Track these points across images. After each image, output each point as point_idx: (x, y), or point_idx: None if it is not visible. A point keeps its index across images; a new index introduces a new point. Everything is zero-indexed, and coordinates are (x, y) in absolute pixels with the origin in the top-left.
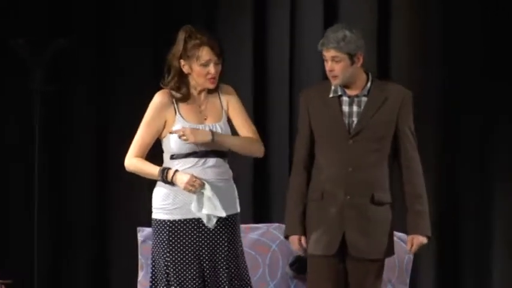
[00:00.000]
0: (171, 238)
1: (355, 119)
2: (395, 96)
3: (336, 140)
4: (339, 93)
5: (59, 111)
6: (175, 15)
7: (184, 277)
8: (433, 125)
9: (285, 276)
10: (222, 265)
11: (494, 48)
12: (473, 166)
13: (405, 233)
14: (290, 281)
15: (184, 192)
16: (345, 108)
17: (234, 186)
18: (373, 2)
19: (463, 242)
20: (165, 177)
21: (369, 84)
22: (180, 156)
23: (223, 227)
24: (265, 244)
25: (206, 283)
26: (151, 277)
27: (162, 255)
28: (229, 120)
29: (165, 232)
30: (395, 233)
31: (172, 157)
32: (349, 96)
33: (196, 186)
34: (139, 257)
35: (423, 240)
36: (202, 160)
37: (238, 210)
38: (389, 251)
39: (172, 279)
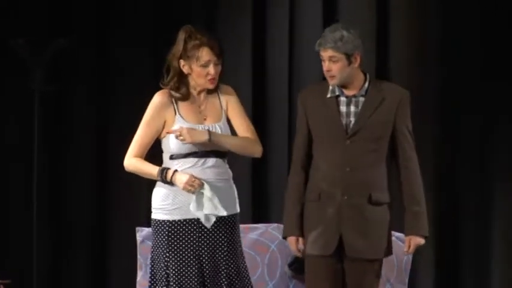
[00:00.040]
0: (170, 238)
1: (352, 119)
2: (393, 96)
3: (334, 140)
4: (337, 93)
5: (58, 111)
6: (175, 15)
7: (184, 277)
8: (432, 125)
9: (284, 276)
10: (222, 265)
11: (493, 48)
12: (473, 166)
13: (404, 233)
14: (289, 281)
15: (183, 193)
16: (343, 108)
17: (234, 186)
18: (372, 2)
19: (463, 242)
20: (164, 177)
21: (366, 84)
22: (180, 156)
23: (223, 227)
24: (264, 244)
25: (206, 283)
26: (150, 277)
27: (162, 255)
28: (228, 121)
29: (164, 232)
30: (394, 233)
31: (171, 157)
32: (346, 97)
33: (195, 186)
34: (138, 257)
35: (420, 241)
36: (202, 160)
37: (238, 210)
38: (387, 251)
39: (172, 279)
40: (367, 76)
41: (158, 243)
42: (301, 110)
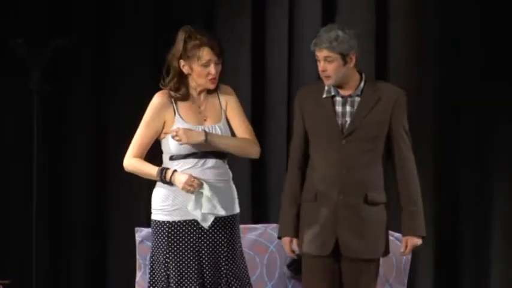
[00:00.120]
0: (170, 239)
1: (348, 119)
2: (389, 96)
3: (329, 140)
4: (332, 93)
5: (58, 111)
6: (175, 15)
7: (184, 278)
8: (432, 125)
9: (283, 277)
10: (222, 266)
11: (492, 48)
12: (473, 166)
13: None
14: (288, 281)
15: (183, 193)
16: (338, 108)
17: (234, 187)
18: (372, 2)
19: (462, 242)
20: (164, 178)
21: (362, 84)
22: (180, 157)
23: (223, 228)
24: (263, 245)
25: (206, 284)
26: (149, 278)
27: (162, 256)
28: (227, 121)
29: (164, 233)
30: (393, 233)
31: (171, 158)
32: (342, 97)
33: (194, 186)
34: (137, 257)
35: (418, 241)
36: (202, 161)
37: (238, 210)
38: (384, 251)
39: (172, 280)
40: (363, 76)
41: (158, 244)
42: (298, 111)
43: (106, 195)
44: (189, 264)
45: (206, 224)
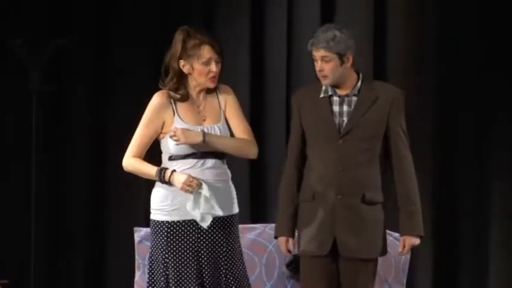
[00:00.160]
0: (169, 239)
1: (345, 119)
2: (386, 95)
3: (327, 140)
4: (329, 93)
5: (57, 112)
6: (174, 15)
7: (184, 278)
8: (430, 124)
9: (282, 276)
10: (221, 266)
11: (491, 45)
12: (472, 165)
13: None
14: (287, 281)
15: (182, 193)
16: (335, 108)
17: (233, 186)
18: (370, 2)
19: (461, 241)
20: (163, 178)
21: (359, 84)
22: (179, 157)
23: (222, 228)
24: (261, 244)
25: (205, 284)
26: (148, 278)
27: (161, 256)
28: (226, 120)
29: (163, 233)
30: (392, 233)
31: (170, 158)
32: (339, 96)
33: (193, 186)
34: (136, 257)
35: (415, 241)
36: (201, 161)
37: (237, 210)
38: (381, 250)
39: (171, 280)
40: (360, 76)
41: (157, 244)
42: (295, 110)
43: (105, 195)
44: (188, 264)
45: (205, 224)
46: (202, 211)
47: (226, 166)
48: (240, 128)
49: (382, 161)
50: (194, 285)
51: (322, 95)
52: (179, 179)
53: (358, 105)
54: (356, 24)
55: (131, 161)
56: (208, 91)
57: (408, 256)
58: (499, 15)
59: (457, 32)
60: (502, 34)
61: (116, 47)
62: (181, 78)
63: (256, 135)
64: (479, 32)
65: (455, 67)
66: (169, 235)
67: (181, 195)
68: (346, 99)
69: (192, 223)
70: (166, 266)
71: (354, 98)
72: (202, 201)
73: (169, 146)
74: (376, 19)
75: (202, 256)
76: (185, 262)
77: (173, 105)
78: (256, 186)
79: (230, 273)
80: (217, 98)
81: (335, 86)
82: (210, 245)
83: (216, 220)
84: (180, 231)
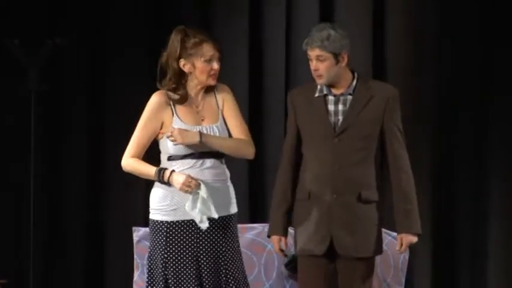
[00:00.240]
0: (168, 239)
1: (340, 118)
2: (381, 94)
3: (322, 139)
4: (325, 92)
5: (55, 111)
6: (173, 15)
7: (183, 278)
8: (430, 124)
9: (281, 276)
10: (221, 266)
11: (491, 45)
12: (471, 164)
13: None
14: (285, 280)
15: (181, 194)
16: (331, 107)
17: (232, 186)
18: (369, 1)
19: (460, 240)
20: (162, 178)
21: (354, 83)
22: (178, 157)
23: (221, 228)
24: (260, 244)
25: (204, 284)
26: (147, 277)
27: (160, 256)
28: (224, 120)
29: (162, 233)
30: (390, 232)
31: (169, 158)
32: (334, 95)
33: (192, 187)
34: (135, 256)
35: (413, 239)
36: (200, 161)
37: (236, 210)
38: (378, 249)
39: (171, 280)
40: (355, 74)
41: (156, 244)
42: (291, 110)
43: (104, 195)
44: (187, 264)
45: (203, 226)
46: (198, 212)
47: (225, 166)
48: (238, 128)
49: (378, 160)
50: (193, 285)
51: (317, 94)
52: (178, 179)
53: (353, 104)
54: (355, 24)
55: (130, 161)
56: (206, 91)
57: (407, 256)
58: (499, 14)
59: (457, 32)
60: (502, 33)
61: (113, 46)
62: (180, 78)
63: (255, 135)
64: (479, 31)
65: (455, 67)
66: (168, 235)
67: (180, 196)
68: (341, 98)
69: (191, 223)
70: (166, 265)
71: (349, 97)
72: (199, 202)
73: (168, 146)
74: (375, 18)
75: (202, 256)
76: (184, 262)
77: (172, 105)
78: (255, 186)
79: (230, 273)
80: (215, 97)
81: (330, 85)
82: (209, 244)
83: (215, 220)
84: (180, 231)
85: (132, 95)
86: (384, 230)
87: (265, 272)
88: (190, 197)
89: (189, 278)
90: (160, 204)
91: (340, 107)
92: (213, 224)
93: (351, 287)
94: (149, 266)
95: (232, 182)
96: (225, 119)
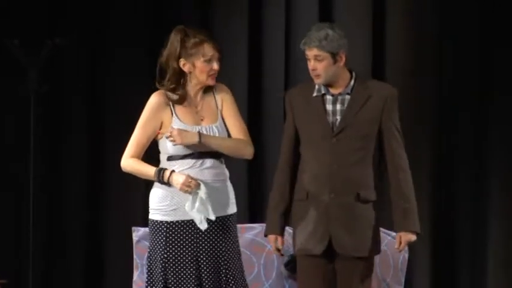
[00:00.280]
0: (168, 239)
1: (338, 117)
2: (379, 93)
3: (320, 139)
4: (323, 92)
5: (55, 112)
6: (172, 15)
7: (183, 279)
8: (430, 124)
9: (280, 276)
10: (221, 266)
11: (491, 44)
12: (471, 164)
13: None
14: (285, 280)
15: (181, 194)
16: (329, 106)
17: (231, 186)
18: (369, 1)
19: (460, 241)
20: (161, 178)
21: (352, 82)
22: (177, 157)
23: (220, 228)
24: (260, 244)
25: (204, 284)
26: (146, 277)
27: (160, 256)
28: (223, 120)
29: (162, 233)
30: (390, 232)
31: (169, 158)
32: (332, 95)
33: (192, 187)
34: (135, 256)
35: (411, 237)
36: (200, 161)
37: (235, 210)
38: (376, 248)
39: (170, 280)
40: (353, 74)
41: (156, 244)
42: (288, 110)
43: (103, 195)
44: (187, 264)
45: (203, 226)
46: (196, 212)
47: (224, 166)
48: (237, 128)
49: (377, 159)
50: (193, 285)
51: (315, 94)
52: (178, 179)
53: (351, 104)
54: (355, 24)
55: (129, 162)
56: (205, 91)
57: (406, 255)
58: (499, 15)
59: (457, 32)
60: (502, 34)
61: (113, 47)
62: (180, 78)
63: (254, 135)
64: (479, 32)
65: (455, 67)
66: (168, 235)
67: (179, 196)
68: (339, 97)
69: (191, 223)
70: (165, 266)
71: (347, 97)
72: (198, 202)
73: (167, 147)
74: (375, 19)
75: (201, 256)
76: (184, 262)
77: (171, 105)
78: (255, 186)
79: (230, 273)
80: (214, 97)
81: (328, 84)
82: (208, 244)
83: (215, 220)
84: (179, 231)
85: (132, 95)
86: (383, 230)
87: (265, 272)
88: (190, 197)
89: (188, 278)
90: (160, 204)
91: (338, 106)
92: (212, 224)
93: (350, 287)
94: (149, 266)
95: (231, 182)
96: (224, 119)
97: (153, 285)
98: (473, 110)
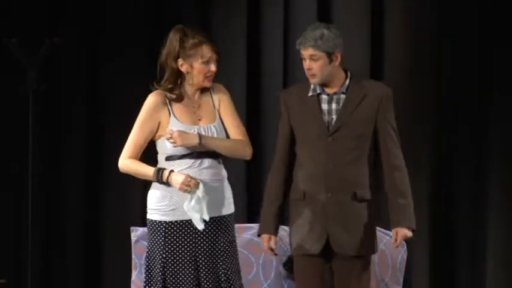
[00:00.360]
0: (167, 239)
1: (334, 117)
2: (375, 93)
3: (316, 138)
4: (318, 91)
5: (53, 111)
6: (170, 15)
7: (181, 278)
8: (429, 124)
9: (279, 276)
10: (219, 266)
11: (490, 45)
12: (470, 164)
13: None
14: (284, 280)
15: (179, 194)
16: (324, 106)
17: (229, 186)
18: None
19: (459, 241)
20: (160, 178)
21: (347, 82)
22: (176, 157)
23: (218, 227)
24: (258, 244)
25: (202, 284)
26: (145, 277)
27: (159, 256)
28: (221, 120)
29: (161, 233)
30: (388, 232)
31: (167, 158)
32: (328, 94)
33: (191, 186)
34: (133, 256)
35: (407, 232)
36: (198, 161)
37: (233, 210)
38: (373, 247)
39: (169, 280)
40: (348, 74)
41: (154, 244)
42: (283, 110)
43: (102, 194)
44: (185, 265)
45: (200, 227)
46: (193, 212)
47: (222, 166)
48: (235, 129)
49: (372, 159)
50: (191, 285)
51: (310, 94)
52: (177, 179)
53: (346, 103)
54: (353, 24)
55: (127, 162)
56: (202, 90)
57: (405, 255)
58: (498, 14)
59: (456, 31)
60: (502, 33)
61: (113, 46)
62: (177, 78)
63: (253, 135)
64: (478, 31)
65: (455, 66)
66: (167, 235)
67: (178, 196)
68: (334, 97)
69: (190, 223)
70: (164, 265)
71: (343, 96)
72: (194, 201)
73: (166, 147)
74: (373, 18)
75: (200, 256)
76: (183, 262)
77: (169, 105)
78: (253, 186)
79: (228, 273)
80: (211, 97)
81: (323, 84)
82: (207, 244)
83: (213, 220)
84: (178, 231)
85: (132, 95)
86: (381, 229)
87: (263, 272)
88: (188, 196)
89: (187, 278)
90: (159, 204)
91: (334, 105)
92: (210, 224)
93: (347, 286)
94: (147, 266)
95: (230, 182)
96: (222, 119)
97: (152, 285)
98: (473, 109)
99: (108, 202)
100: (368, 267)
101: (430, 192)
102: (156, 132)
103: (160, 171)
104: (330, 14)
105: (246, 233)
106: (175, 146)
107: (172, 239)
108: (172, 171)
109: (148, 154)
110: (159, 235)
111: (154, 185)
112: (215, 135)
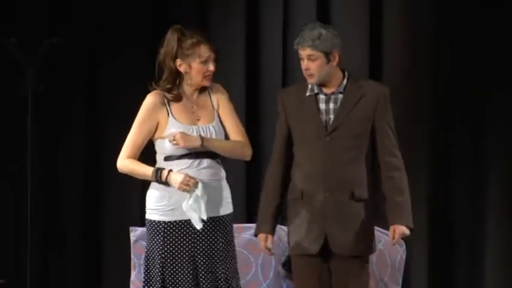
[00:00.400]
0: (166, 239)
1: (332, 116)
2: (372, 92)
3: (314, 138)
4: (316, 91)
5: (52, 111)
6: (169, 15)
7: (180, 278)
8: (428, 123)
9: (278, 276)
10: (218, 265)
11: (488, 44)
12: (469, 163)
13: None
14: (282, 280)
15: (178, 194)
16: (322, 106)
17: (227, 186)
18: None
19: (457, 241)
20: (159, 178)
21: (345, 82)
22: (175, 157)
23: (217, 227)
24: (257, 244)
25: (201, 284)
26: (144, 277)
27: (158, 256)
28: (220, 120)
29: (160, 233)
30: (386, 231)
31: (166, 158)
32: (325, 94)
33: (190, 185)
34: (132, 256)
35: (405, 230)
36: (197, 161)
37: (232, 210)
38: (371, 247)
39: (168, 280)
40: (346, 74)
41: (153, 244)
42: (281, 110)
43: (101, 194)
44: (184, 265)
45: (199, 226)
46: (191, 210)
47: (221, 166)
48: (234, 129)
49: (370, 158)
50: (190, 285)
51: (308, 93)
52: (176, 178)
53: (344, 103)
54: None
55: (126, 162)
56: (201, 90)
57: (404, 255)
58: (496, 13)
59: (455, 31)
60: (500, 32)
61: (113, 46)
62: (176, 78)
63: (252, 135)
64: (476, 30)
65: (453, 66)
66: (166, 235)
67: (177, 195)
68: (332, 97)
69: (188, 223)
70: (164, 265)
71: (340, 96)
72: (192, 199)
73: (165, 147)
74: (372, 19)
75: (198, 256)
76: (181, 262)
77: (167, 105)
78: (252, 186)
79: (227, 273)
80: (210, 97)
81: (321, 84)
82: (205, 244)
83: (212, 220)
84: (177, 231)
85: (131, 95)
86: (380, 229)
87: (262, 271)
88: (187, 196)
89: (185, 278)
90: (158, 205)
91: (332, 105)
92: (209, 224)
93: (345, 286)
94: (146, 266)
95: (229, 182)
96: (220, 119)
97: (151, 285)
98: (470, 108)
99: (108, 202)
100: (366, 267)
101: (429, 191)
102: (155, 132)
103: (159, 170)
104: (329, 14)
105: (245, 233)
106: (178, 148)
107: (171, 239)
108: (171, 170)
109: (147, 154)
110: (158, 235)
111: (153, 185)
112: (214, 136)
